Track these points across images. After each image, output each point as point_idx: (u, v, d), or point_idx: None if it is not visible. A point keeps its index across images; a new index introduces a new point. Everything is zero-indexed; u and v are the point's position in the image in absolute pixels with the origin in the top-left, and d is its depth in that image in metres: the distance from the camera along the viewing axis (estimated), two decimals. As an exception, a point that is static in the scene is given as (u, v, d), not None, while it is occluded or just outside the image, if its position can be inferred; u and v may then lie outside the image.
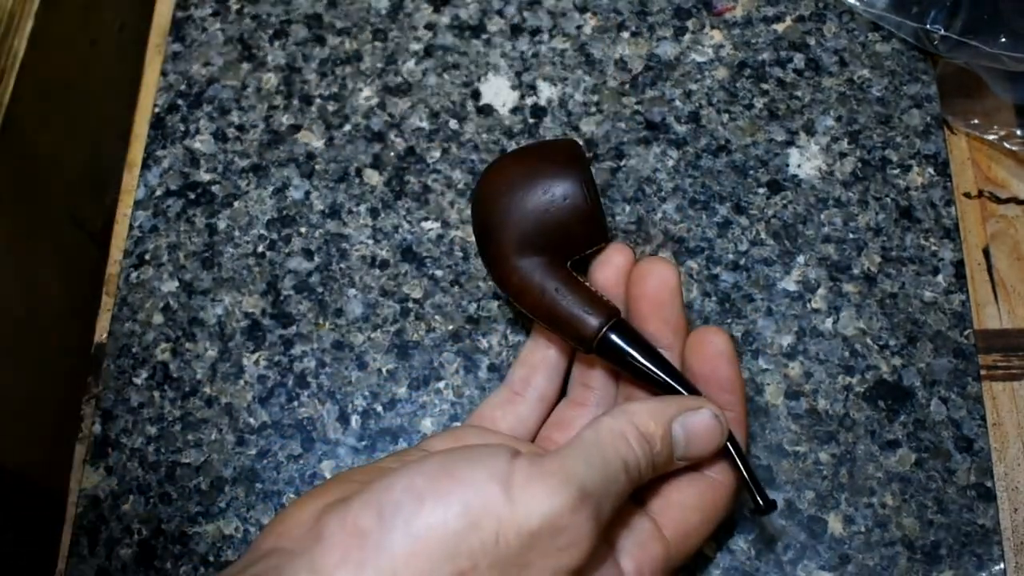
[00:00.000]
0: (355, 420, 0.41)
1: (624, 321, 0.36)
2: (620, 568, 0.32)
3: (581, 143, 0.38)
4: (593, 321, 0.35)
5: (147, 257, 0.44)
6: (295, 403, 0.41)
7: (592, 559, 0.30)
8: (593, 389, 0.38)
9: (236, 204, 0.45)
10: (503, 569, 0.28)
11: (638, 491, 0.35)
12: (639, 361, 0.35)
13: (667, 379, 0.35)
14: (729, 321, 0.42)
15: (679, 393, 0.35)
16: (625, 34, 0.48)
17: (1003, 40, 0.44)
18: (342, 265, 0.44)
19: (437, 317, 0.43)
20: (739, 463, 0.34)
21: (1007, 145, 0.45)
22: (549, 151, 0.37)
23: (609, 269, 0.37)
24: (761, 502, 0.34)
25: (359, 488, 0.29)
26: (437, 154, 0.46)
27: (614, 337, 0.35)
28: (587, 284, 0.37)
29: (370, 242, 0.44)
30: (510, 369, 0.39)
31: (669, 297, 0.36)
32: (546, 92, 0.47)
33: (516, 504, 0.28)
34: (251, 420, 0.41)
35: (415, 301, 0.43)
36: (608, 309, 0.35)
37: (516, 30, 0.48)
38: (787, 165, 0.45)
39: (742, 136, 0.46)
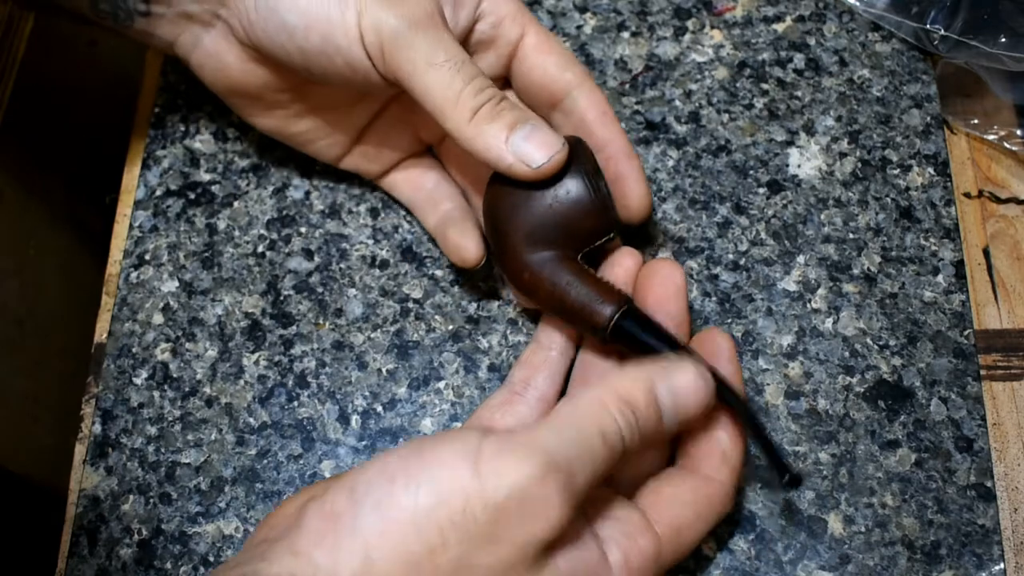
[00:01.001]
0: (355, 420, 0.41)
1: (636, 307, 0.36)
2: (606, 557, 0.31)
3: (581, 139, 0.38)
4: (605, 309, 0.35)
5: (147, 257, 0.44)
6: (295, 403, 0.41)
7: (568, 535, 0.30)
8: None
9: (236, 204, 0.45)
10: (473, 543, 0.28)
11: (630, 488, 0.35)
12: (654, 344, 0.35)
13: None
14: (729, 321, 0.42)
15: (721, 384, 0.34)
16: (625, 34, 0.48)
17: (1003, 40, 0.44)
18: (342, 265, 0.44)
19: (437, 317, 0.43)
20: (760, 439, 0.34)
21: (1007, 145, 0.45)
22: None
23: (619, 270, 0.38)
24: (787, 476, 0.34)
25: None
26: (437, 154, 0.46)
27: (627, 323, 0.35)
28: (598, 275, 0.37)
29: (370, 242, 0.44)
30: (511, 370, 0.39)
31: (674, 294, 0.36)
32: (546, 92, 0.47)
33: (483, 478, 0.28)
34: (251, 420, 0.41)
35: (415, 301, 0.43)
36: (619, 296, 0.36)
37: (516, 30, 0.48)
38: (787, 165, 0.45)
39: (742, 136, 0.46)
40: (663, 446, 0.36)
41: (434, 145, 0.44)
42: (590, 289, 0.36)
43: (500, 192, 0.37)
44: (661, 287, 0.37)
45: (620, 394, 0.31)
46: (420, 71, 0.35)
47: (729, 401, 0.34)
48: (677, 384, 0.32)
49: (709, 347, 0.36)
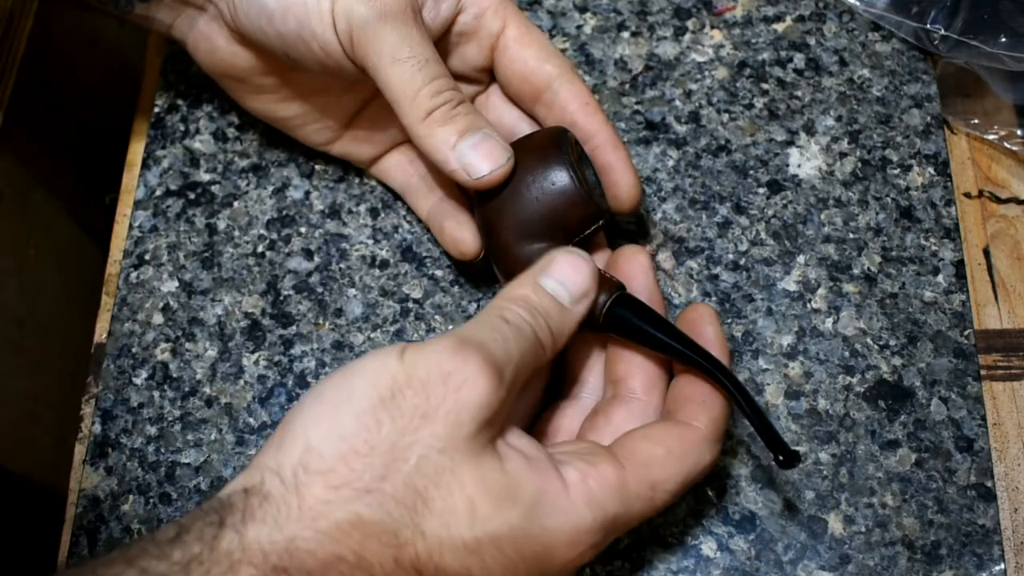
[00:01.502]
0: (355, 420, 0.41)
1: (628, 295, 0.36)
2: (560, 473, 0.31)
3: (566, 129, 0.38)
4: (598, 297, 0.35)
5: (147, 257, 0.44)
6: (295, 403, 0.41)
7: (512, 437, 0.31)
8: (585, 383, 0.38)
9: (236, 204, 0.45)
10: (405, 420, 0.29)
11: (603, 440, 0.35)
12: (648, 330, 0.35)
13: (677, 345, 0.35)
14: (729, 321, 0.42)
15: (692, 359, 0.34)
16: (625, 34, 0.48)
17: (1003, 40, 0.44)
18: (342, 265, 0.44)
19: (437, 317, 0.43)
20: (751, 414, 0.33)
21: (1007, 145, 0.45)
22: (535, 141, 0.38)
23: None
24: (782, 455, 0.33)
25: None
26: (437, 154, 0.46)
27: (620, 310, 0.35)
28: None
29: (370, 242, 0.44)
30: None
31: (641, 272, 0.37)
32: (546, 92, 0.47)
33: (405, 362, 0.30)
34: (251, 420, 0.41)
35: (415, 301, 0.43)
36: (611, 284, 0.36)
37: (516, 30, 0.48)
38: (787, 165, 0.45)
39: (742, 136, 0.46)
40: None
41: None
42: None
43: (489, 190, 0.37)
44: (627, 265, 0.37)
45: (507, 295, 0.33)
46: (384, 63, 0.36)
47: (716, 375, 0.34)
48: (555, 269, 0.34)
49: (691, 317, 0.36)
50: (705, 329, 0.36)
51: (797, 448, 0.33)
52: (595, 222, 0.37)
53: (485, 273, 0.43)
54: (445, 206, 0.41)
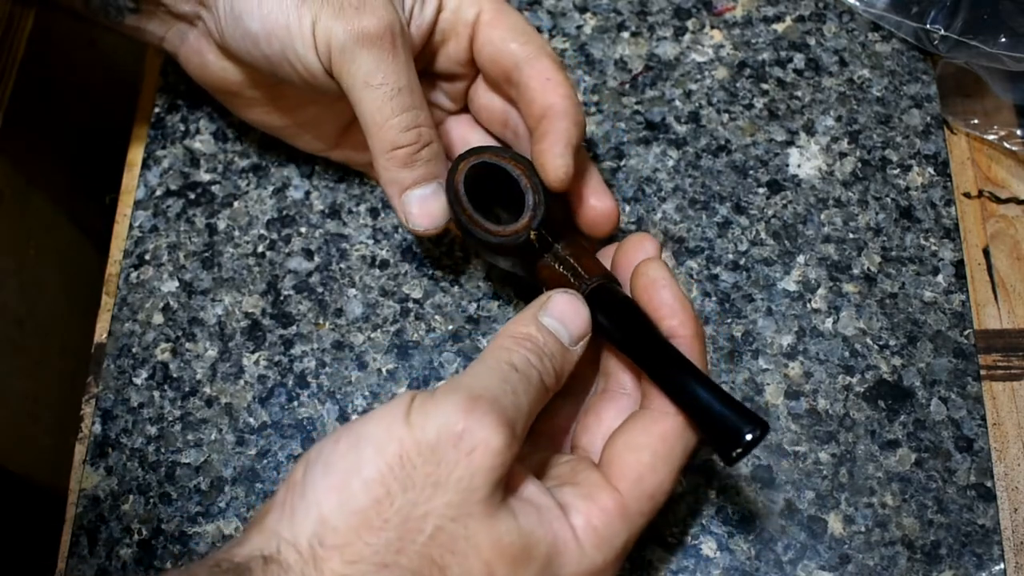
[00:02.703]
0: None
1: (611, 287, 0.36)
2: (572, 525, 0.31)
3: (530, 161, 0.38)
4: (580, 287, 0.36)
5: (147, 257, 0.44)
6: (295, 403, 0.41)
7: (523, 490, 0.31)
8: (580, 376, 0.38)
9: (236, 204, 0.45)
10: (417, 490, 0.28)
11: (596, 441, 0.35)
12: (605, 328, 0.35)
13: (636, 353, 0.34)
14: (729, 321, 0.42)
15: (654, 360, 0.33)
16: (625, 34, 0.48)
17: (1003, 40, 0.44)
18: (342, 265, 0.44)
19: (437, 317, 0.43)
20: (698, 388, 0.32)
21: (1007, 145, 0.45)
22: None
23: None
24: (728, 445, 0.31)
25: None
26: (437, 154, 0.46)
27: (596, 300, 0.35)
28: (571, 258, 0.37)
29: (370, 242, 0.44)
30: None
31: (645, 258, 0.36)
32: (546, 92, 0.47)
33: (413, 425, 0.29)
34: (251, 420, 0.41)
35: (415, 301, 0.43)
36: (591, 277, 0.36)
37: (516, 30, 0.48)
38: (787, 165, 0.45)
39: (742, 136, 0.46)
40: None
41: None
42: (573, 265, 0.37)
43: (460, 202, 0.37)
44: (633, 252, 0.36)
45: (511, 333, 0.33)
46: (357, 87, 0.36)
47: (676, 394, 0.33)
48: (555, 308, 0.34)
49: (639, 277, 0.35)
50: (661, 294, 0.34)
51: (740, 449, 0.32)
52: (533, 215, 0.37)
53: (485, 273, 0.43)
54: None
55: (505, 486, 0.30)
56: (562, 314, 0.34)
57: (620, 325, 0.34)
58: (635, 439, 0.33)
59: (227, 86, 0.41)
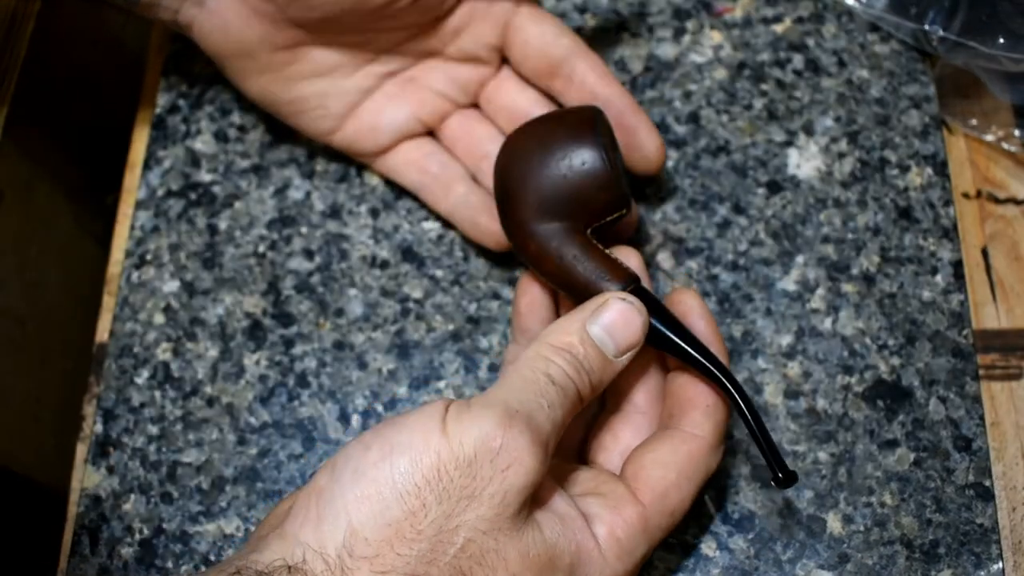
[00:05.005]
0: (356, 420, 0.41)
1: (644, 288, 0.35)
2: (592, 531, 0.31)
3: (601, 110, 0.38)
4: (612, 287, 0.35)
5: (148, 257, 0.44)
6: (296, 403, 0.41)
7: (550, 502, 0.31)
8: (620, 393, 0.38)
9: (237, 204, 0.45)
10: (452, 502, 0.28)
11: (620, 461, 0.35)
12: (657, 325, 0.34)
13: (685, 346, 0.34)
14: (728, 321, 0.42)
15: (704, 367, 0.34)
16: (624, 35, 0.48)
17: (1001, 41, 0.44)
18: (343, 265, 0.44)
19: (437, 317, 0.43)
20: (753, 427, 0.33)
21: (1005, 146, 0.45)
22: (568, 117, 0.37)
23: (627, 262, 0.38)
24: (780, 474, 0.33)
25: None
26: (437, 154, 0.46)
27: None
28: (606, 252, 0.36)
29: (371, 242, 0.44)
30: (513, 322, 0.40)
31: (695, 316, 0.36)
32: (546, 93, 0.47)
33: (450, 437, 0.29)
34: (252, 420, 0.41)
35: (415, 301, 0.43)
36: (626, 275, 0.35)
37: (516, 31, 0.48)
38: (786, 165, 0.45)
39: (741, 136, 0.46)
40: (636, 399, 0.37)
41: (435, 127, 0.43)
42: (597, 265, 0.35)
43: (514, 157, 0.36)
44: (677, 309, 0.36)
45: (553, 343, 0.32)
46: None
47: (722, 383, 0.34)
48: (606, 318, 0.33)
49: (680, 310, 0.35)
50: (697, 324, 0.35)
51: (794, 471, 0.33)
52: (619, 209, 0.36)
53: (486, 273, 0.43)
54: (472, 199, 0.41)
55: (534, 502, 0.31)
56: (612, 325, 0.33)
57: (673, 330, 0.34)
58: (663, 456, 0.33)
59: (245, 48, 0.40)
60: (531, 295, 0.38)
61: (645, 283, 0.36)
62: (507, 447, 0.29)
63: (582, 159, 0.35)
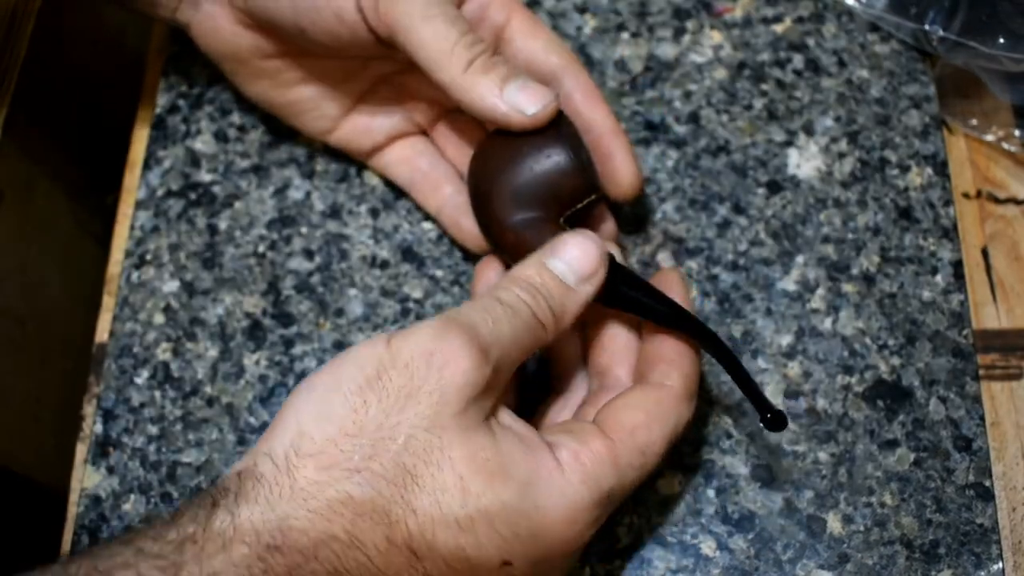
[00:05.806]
0: (356, 420, 0.41)
1: (619, 264, 0.36)
2: (556, 458, 0.31)
3: (562, 111, 0.38)
4: None
5: (148, 257, 0.44)
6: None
7: (503, 415, 0.32)
8: (571, 377, 0.39)
9: (237, 204, 0.45)
10: (391, 400, 0.30)
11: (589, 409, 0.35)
12: (640, 299, 0.36)
13: (655, 304, 0.35)
14: (728, 321, 0.42)
15: (683, 326, 0.35)
16: (624, 35, 0.48)
17: (1001, 41, 0.44)
18: (343, 265, 0.44)
19: (437, 317, 0.43)
20: (735, 374, 0.35)
21: (1005, 146, 0.45)
22: None
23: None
24: (768, 414, 0.34)
25: None
26: (437, 154, 0.46)
27: (610, 278, 0.36)
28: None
29: (371, 242, 0.44)
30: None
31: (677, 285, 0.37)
32: (546, 93, 0.47)
33: (393, 347, 0.30)
34: (252, 420, 0.41)
35: (416, 301, 0.43)
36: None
37: (516, 31, 0.48)
38: (786, 165, 0.45)
39: (741, 136, 0.46)
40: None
41: (427, 128, 0.44)
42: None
43: (486, 156, 0.38)
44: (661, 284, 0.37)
45: (510, 276, 0.33)
46: (416, 23, 0.36)
47: (697, 333, 0.35)
48: (561, 250, 0.34)
49: (660, 285, 0.36)
50: (674, 293, 0.36)
51: (781, 410, 0.34)
52: (588, 195, 0.38)
53: (485, 273, 0.43)
54: (459, 200, 0.42)
55: (487, 411, 0.31)
56: (568, 254, 0.34)
57: (651, 296, 0.36)
58: (631, 401, 0.34)
59: (238, 54, 0.41)
60: (487, 278, 0.40)
61: (620, 261, 0.37)
62: (442, 349, 0.30)
63: (547, 153, 0.37)
